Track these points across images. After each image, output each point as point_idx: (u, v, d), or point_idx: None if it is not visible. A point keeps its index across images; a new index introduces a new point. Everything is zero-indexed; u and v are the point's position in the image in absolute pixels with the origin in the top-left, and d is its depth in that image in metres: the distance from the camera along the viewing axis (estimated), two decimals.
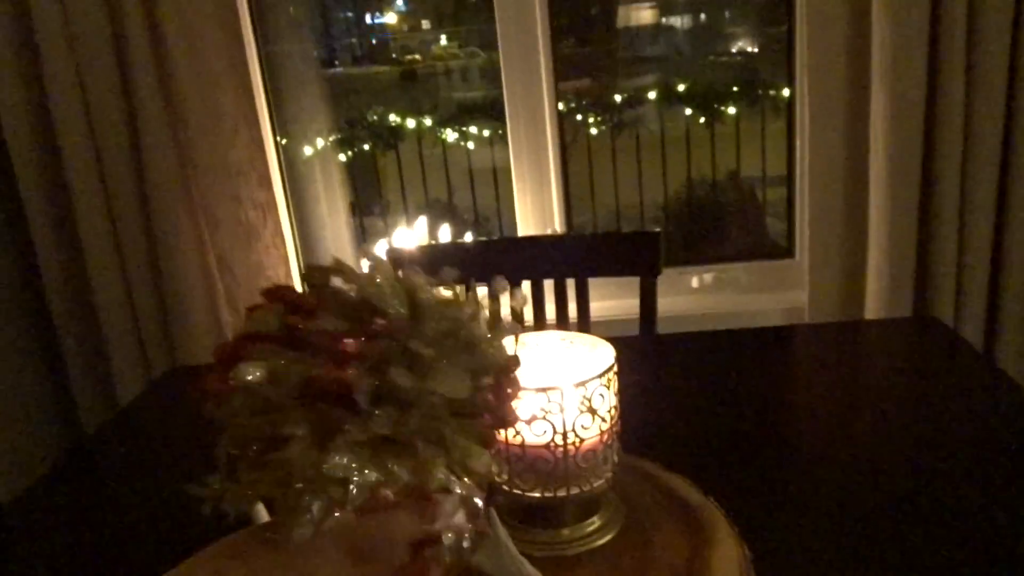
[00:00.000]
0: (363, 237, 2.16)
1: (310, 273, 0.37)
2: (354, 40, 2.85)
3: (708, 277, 1.75)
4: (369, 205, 2.41)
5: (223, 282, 1.58)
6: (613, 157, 2.16)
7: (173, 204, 1.51)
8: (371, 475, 0.34)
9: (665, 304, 1.47)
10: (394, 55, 2.87)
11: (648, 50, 2.33)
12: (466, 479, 0.38)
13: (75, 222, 1.52)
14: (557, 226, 1.77)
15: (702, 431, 0.84)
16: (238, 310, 1.59)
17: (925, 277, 1.44)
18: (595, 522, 0.61)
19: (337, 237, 1.97)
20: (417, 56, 2.89)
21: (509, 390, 0.41)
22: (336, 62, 2.75)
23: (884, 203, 1.40)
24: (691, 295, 1.75)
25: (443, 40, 2.91)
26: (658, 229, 1.21)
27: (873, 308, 1.46)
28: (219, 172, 1.51)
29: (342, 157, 2.13)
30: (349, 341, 0.35)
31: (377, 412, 0.34)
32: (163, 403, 1.09)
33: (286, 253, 1.60)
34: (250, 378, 0.34)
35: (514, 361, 0.42)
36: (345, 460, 0.33)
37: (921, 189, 1.39)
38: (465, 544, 0.39)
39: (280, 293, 0.37)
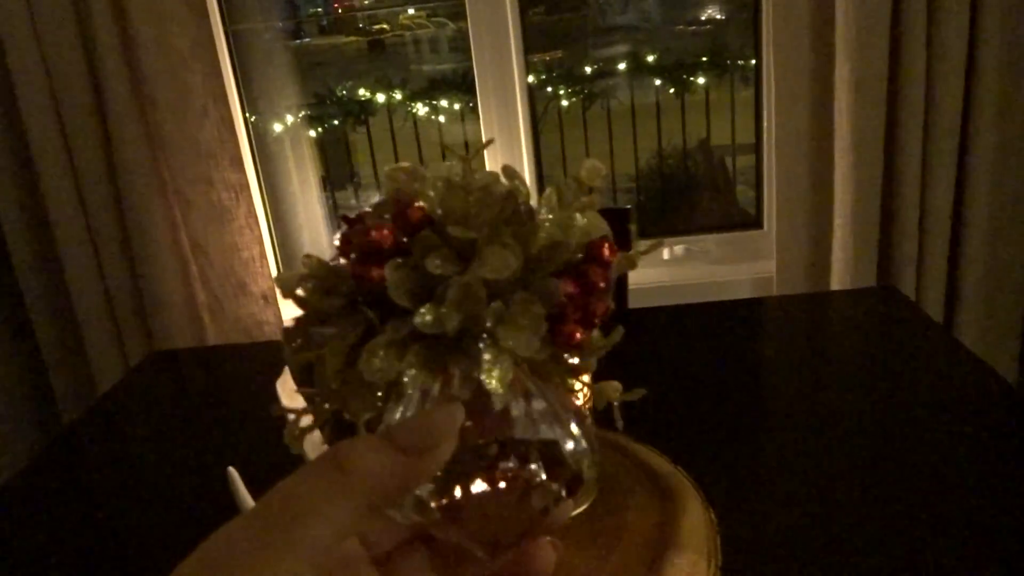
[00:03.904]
0: (336, 213, 2.16)
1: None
2: (319, 9, 2.81)
3: (679, 249, 1.78)
4: (341, 180, 2.41)
5: (197, 264, 1.58)
6: (584, 129, 2.17)
7: (144, 186, 1.50)
8: (416, 374, 0.29)
9: (637, 276, 1.50)
10: (361, 24, 2.84)
11: (618, 19, 2.32)
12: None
13: (45, 207, 1.51)
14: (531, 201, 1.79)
15: (671, 403, 0.87)
16: (213, 292, 1.60)
17: (889, 246, 1.48)
18: None
19: (310, 214, 1.97)
20: (385, 25, 2.85)
21: (596, 275, 0.32)
22: (302, 32, 2.72)
23: (849, 173, 1.43)
24: (663, 267, 1.79)
25: (411, 10, 2.88)
26: (629, 206, 1.23)
27: (839, 277, 1.50)
28: (189, 153, 1.51)
29: (312, 133, 2.12)
30: (377, 231, 0.30)
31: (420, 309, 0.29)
32: (143, 389, 1.10)
33: (260, 233, 1.60)
34: (299, 292, 0.31)
35: (598, 237, 0.32)
36: (379, 361, 0.29)
37: (884, 160, 1.43)
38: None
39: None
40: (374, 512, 0.25)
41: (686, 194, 2.27)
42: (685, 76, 2.10)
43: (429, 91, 2.34)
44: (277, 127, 1.98)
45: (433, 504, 0.29)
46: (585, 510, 0.63)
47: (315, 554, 0.23)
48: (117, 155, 1.48)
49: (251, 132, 1.81)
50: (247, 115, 1.80)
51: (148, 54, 1.43)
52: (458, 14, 1.71)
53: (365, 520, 0.25)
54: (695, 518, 0.61)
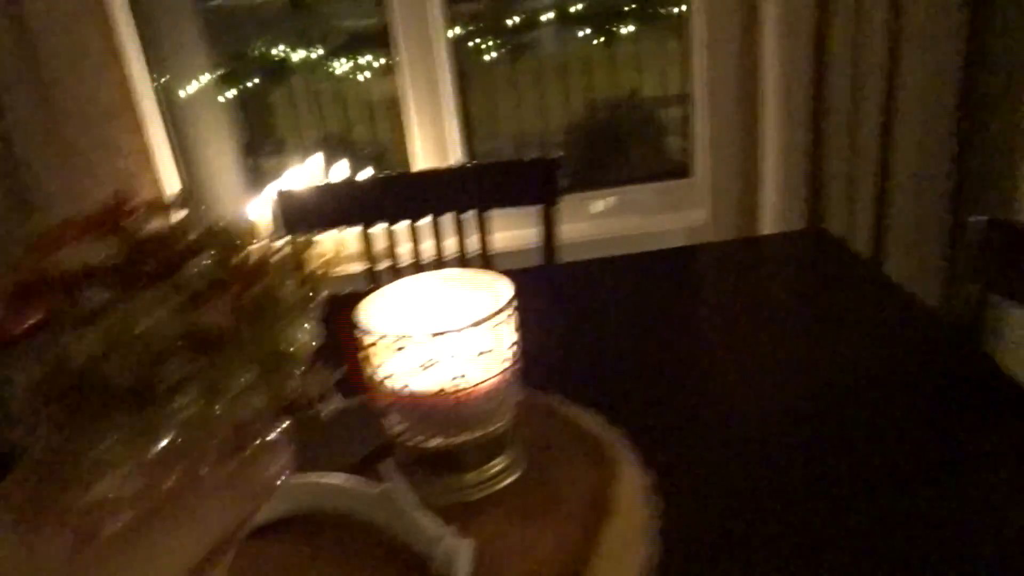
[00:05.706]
0: (256, 178, 2.06)
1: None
2: None
3: (611, 201, 1.75)
4: (262, 144, 2.30)
5: None
6: (513, 83, 2.11)
7: (40, 153, 1.39)
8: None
9: (570, 230, 1.46)
10: None
11: None
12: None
13: None
14: (459, 157, 1.73)
15: (605, 358, 0.84)
16: None
17: (819, 190, 1.48)
18: (499, 463, 0.60)
19: (227, 181, 1.87)
20: None
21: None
22: None
23: (777, 119, 1.42)
24: (595, 220, 1.75)
25: None
26: (554, 155, 1.18)
27: (770, 222, 1.49)
28: (87, 116, 1.40)
29: (230, 94, 2.01)
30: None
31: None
32: None
33: None
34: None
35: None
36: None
37: (813, 104, 1.41)
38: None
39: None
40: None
41: (616, 145, 2.24)
42: (612, 26, 2.05)
43: (349, 47, 2.23)
44: (190, 89, 1.86)
45: None
46: (514, 482, 0.59)
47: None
48: (8, 117, 1.37)
49: (161, 94, 1.70)
50: (154, 75, 1.69)
51: (34, 6, 1.31)
52: None
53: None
54: (631, 483, 0.57)
